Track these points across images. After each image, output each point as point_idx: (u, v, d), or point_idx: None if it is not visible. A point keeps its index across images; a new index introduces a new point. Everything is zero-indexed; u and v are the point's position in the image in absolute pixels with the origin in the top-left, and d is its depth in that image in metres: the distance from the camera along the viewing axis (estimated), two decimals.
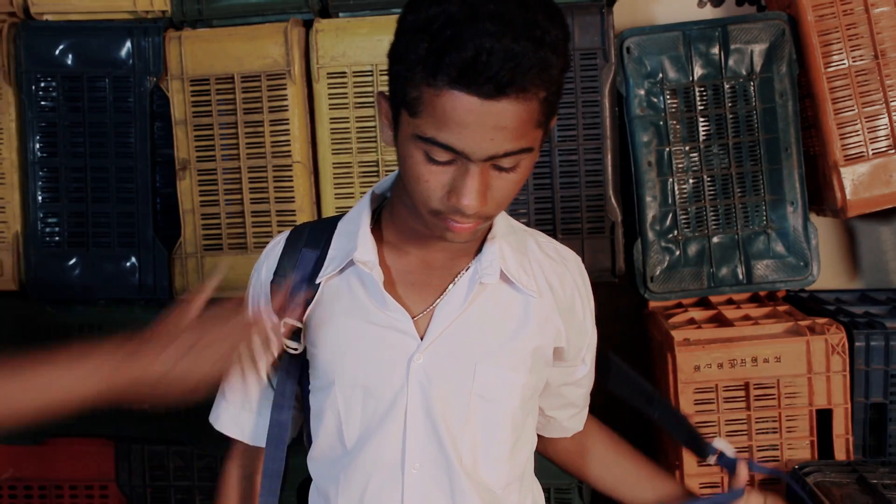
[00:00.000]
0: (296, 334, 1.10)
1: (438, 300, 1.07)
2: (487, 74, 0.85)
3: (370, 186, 1.89)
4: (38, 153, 1.95)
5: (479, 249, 1.08)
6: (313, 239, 1.12)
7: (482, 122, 0.88)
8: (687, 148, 1.89)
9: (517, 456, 1.11)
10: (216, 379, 1.01)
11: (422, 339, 1.05)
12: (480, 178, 0.92)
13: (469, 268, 1.08)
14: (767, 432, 1.70)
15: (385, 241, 1.10)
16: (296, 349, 1.10)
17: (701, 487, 1.72)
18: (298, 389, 1.15)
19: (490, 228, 1.08)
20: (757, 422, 1.70)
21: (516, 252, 1.09)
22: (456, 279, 1.07)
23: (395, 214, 1.09)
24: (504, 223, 1.11)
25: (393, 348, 1.05)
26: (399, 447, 1.05)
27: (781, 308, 1.86)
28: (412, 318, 1.06)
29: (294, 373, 1.13)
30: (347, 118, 1.89)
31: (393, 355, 1.05)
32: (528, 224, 1.87)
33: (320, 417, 1.10)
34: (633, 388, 1.31)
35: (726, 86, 1.89)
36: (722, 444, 1.30)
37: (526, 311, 1.08)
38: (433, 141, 0.90)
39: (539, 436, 1.24)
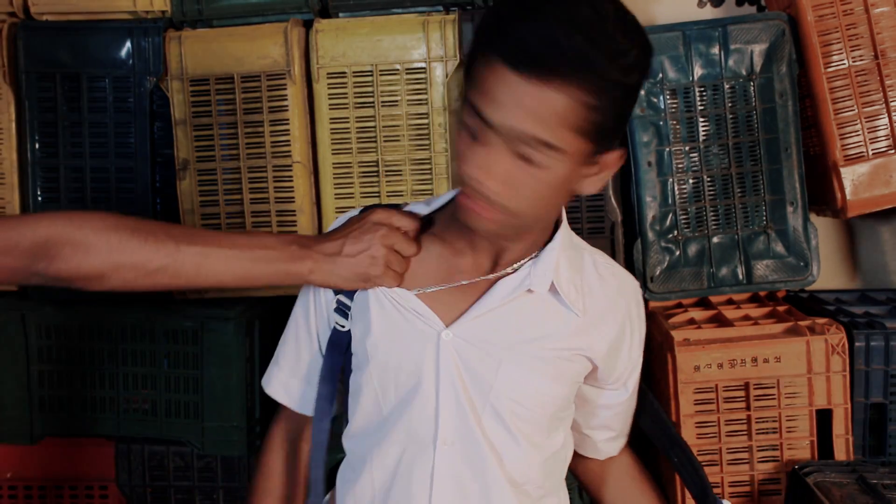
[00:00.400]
0: (345, 312, 1.13)
1: (481, 294, 1.08)
2: (533, 55, 0.87)
3: (370, 187, 1.90)
4: (38, 153, 1.95)
5: (537, 257, 1.09)
6: None
7: (518, 101, 0.89)
8: (687, 148, 1.89)
9: (538, 457, 1.11)
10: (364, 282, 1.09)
11: (451, 324, 1.07)
12: (495, 153, 0.93)
13: (518, 271, 1.08)
14: (767, 432, 1.70)
15: (440, 235, 1.13)
16: (343, 326, 1.14)
17: None
18: (344, 362, 1.17)
19: (550, 239, 1.09)
20: (757, 422, 1.70)
21: (571, 268, 1.10)
22: (503, 280, 1.08)
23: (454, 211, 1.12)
24: (565, 237, 1.11)
25: (421, 329, 1.08)
26: (432, 421, 1.07)
27: (781, 308, 1.86)
28: (446, 307, 1.08)
29: (341, 349, 1.16)
30: (347, 118, 1.89)
31: (422, 334, 1.08)
32: None
33: (358, 395, 1.13)
34: (660, 429, 1.30)
35: (726, 86, 1.89)
36: None
37: (565, 323, 1.09)
38: (471, 106, 0.93)
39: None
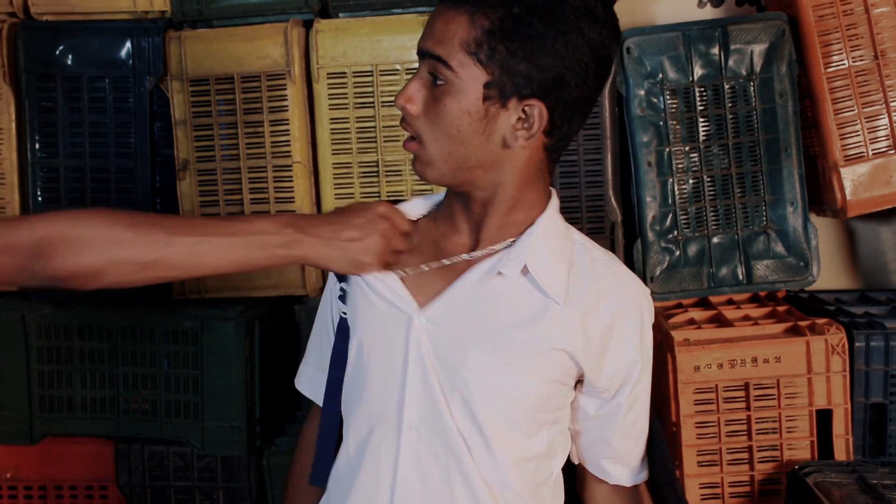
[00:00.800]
0: (345, 298, 1.16)
1: (456, 278, 1.08)
2: None
3: (370, 187, 1.90)
4: (38, 153, 1.95)
5: (515, 241, 1.09)
6: None
7: (433, 27, 1.01)
8: (687, 148, 1.89)
9: (509, 456, 1.08)
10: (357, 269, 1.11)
11: (425, 307, 1.08)
12: (416, 79, 1.03)
13: (494, 255, 1.08)
14: (767, 432, 1.71)
15: (431, 221, 1.15)
16: (345, 313, 1.16)
17: (701, 488, 1.73)
18: None
19: (531, 224, 1.09)
20: (757, 422, 1.70)
21: (554, 254, 1.08)
22: (478, 263, 1.08)
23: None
24: (551, 225, 1.10)
25: (396, 311, 1.09)
26: (398, 404, 1.07)
27: (781, 308, 1.86)
28: (426, 289, 1.09)
29: (346, 335, 1.17)
30: (347, 118, 1.89)
31: (396, 316, 1.09)
32: None
33: (348, 372, 1.16)
34: (660, 461, 1.26)
35: (726, 86, 1.89)
36: None
37: (543, 313, 1.06)
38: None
39: (584, 473, 1.22)
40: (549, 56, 0.98)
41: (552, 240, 1.09)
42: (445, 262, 1.09)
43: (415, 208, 1.17)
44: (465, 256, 1.09)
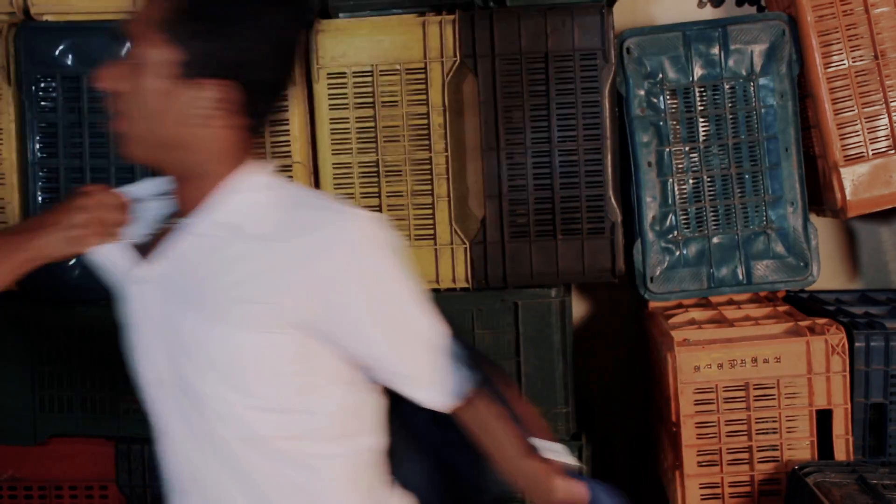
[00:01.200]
0: None
1: (164, 244, 1.11)
2: None
3: (370, 187, 1.90)
4: (38, 153, 1.95)
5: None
6: None
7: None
8: (687, 148, 1.90)
9: (248, 410, 1.06)
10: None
11: (138, 269, 1.13)
12: (119, 56, 1.05)
13: (198, 218, 1.08)
14: (767, 432, 1.70)
15: (166, 196, 1.18)
16: None
17: (701, 488, 1.73)
18: None
19: (229, 183, 1.09)
20: (757, 422, 1.70)
21: (261, 206, 1.08)
22: (184, 228, 1.09)
23: None
24: (251, 181, 1.09)
25: (120, 275, 1.17)
26: (141, 362, 1.14)
27: (781, 308, 1.86)
28: (148, 256, 1.12)
29: None
30: (347, 118, 1.89)
31: (121, 279, 1.17)
32: (527, 224, 1.87)
33: None
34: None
35: (726, 86, 1.89)
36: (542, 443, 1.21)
37: (250, 263, 1.05)
38: None
39: None
40: (243, 38, 1.01)
41: (253, 192, 1.09)
42: (160, 228, 1.13)
43: (145, 189, 1.19)
44: (174, 223, 1.11)
